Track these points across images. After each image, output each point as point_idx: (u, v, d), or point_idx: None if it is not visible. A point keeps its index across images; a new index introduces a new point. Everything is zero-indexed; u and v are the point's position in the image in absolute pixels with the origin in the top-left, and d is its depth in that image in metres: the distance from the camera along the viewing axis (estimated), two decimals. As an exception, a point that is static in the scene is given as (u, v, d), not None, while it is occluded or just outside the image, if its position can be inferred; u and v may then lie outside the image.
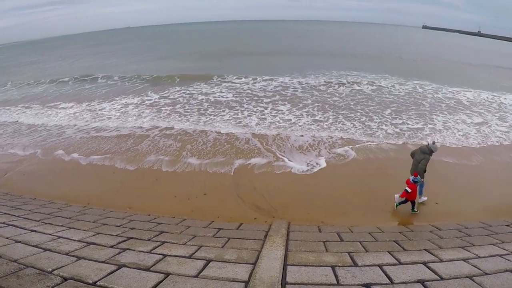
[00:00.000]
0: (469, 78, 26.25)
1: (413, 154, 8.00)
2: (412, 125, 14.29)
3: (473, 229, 6.12)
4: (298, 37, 73.58)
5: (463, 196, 8.46)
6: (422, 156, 7.61)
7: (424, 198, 8.09)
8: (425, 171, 7.62)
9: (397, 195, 7.74)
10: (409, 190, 7.32)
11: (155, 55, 44.96)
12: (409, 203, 7.60)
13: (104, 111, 17.87)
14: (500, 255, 4.56)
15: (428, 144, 7.78)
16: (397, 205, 7.70)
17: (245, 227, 5.86)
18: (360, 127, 13.84)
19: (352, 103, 17.72)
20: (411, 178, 7.43)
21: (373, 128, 13.72)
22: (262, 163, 10.41)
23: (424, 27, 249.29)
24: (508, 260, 4.40)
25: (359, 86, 21.66)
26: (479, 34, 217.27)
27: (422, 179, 7.55)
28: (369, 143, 12.11)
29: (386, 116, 15.42)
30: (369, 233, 5.76)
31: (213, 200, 7.98)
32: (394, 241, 5.34)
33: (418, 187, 7.55)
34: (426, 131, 13.61)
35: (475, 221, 6.79)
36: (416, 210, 7.66)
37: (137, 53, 51.00)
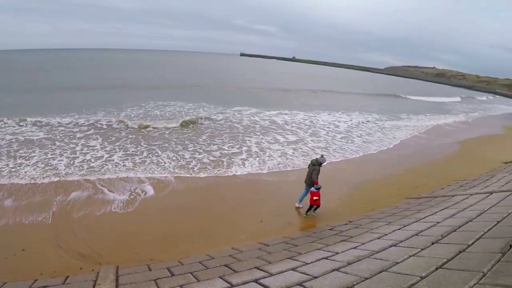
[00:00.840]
0: (286, 101, 31.98)
1: (309, 166, 9.81)
2: (227, 150, 15.51)
3: (298, 239, 6.65)
4: (108, 67, 68.40)
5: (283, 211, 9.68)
6: (313, 168, 9.43)
7: (301, 205, 9.84)
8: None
9: (299, 205, 9.75)
10: (316, 198, 9.07)
11: None
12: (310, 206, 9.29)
13: None
14: (326, 258, 5.03)
15: (317, 158, 9.75)
16: (307, 212, 9.33)
17: (71, 279, 5.59)
18: (175, 158, 13.90)
19: (166, 132, 18.07)
20: (313, 188, 9.12)
21: (186, 158, 13.98)
22: (82, 197, 9.91)
23: (242, 54, 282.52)
24: (333, 260, 4.85)
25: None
26: (294, 59, 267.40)
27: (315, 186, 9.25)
28: (187, 175, 12.35)
29: (201, 143, 16.39)
30: (200, 262, 5.90)
31: (34, 255, 7.26)
32: (224, 265, 5.45)
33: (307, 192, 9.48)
34: (242, 155, 15.00)
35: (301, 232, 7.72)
36: (308, 214, 9.34)
37: None
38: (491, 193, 8.19)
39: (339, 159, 15.75)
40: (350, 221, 8.56)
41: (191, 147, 15.50)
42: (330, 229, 7.84)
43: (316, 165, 9.52)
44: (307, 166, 9.98)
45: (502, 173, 11.85)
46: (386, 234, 6.25)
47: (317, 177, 9.36)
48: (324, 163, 9.89)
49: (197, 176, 12.16)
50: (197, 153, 14.68)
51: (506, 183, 9.35)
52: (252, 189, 11.35)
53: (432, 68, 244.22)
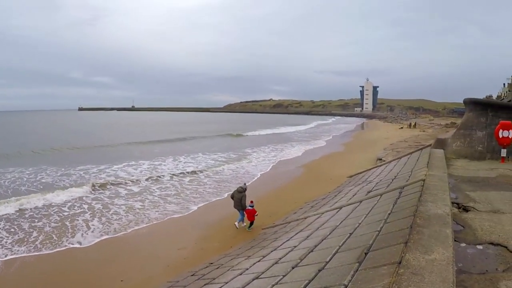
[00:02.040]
0: (130, 153, 31.28)
1: (232, 196, 12.27)
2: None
3: None
4: None
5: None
6: (241, 195, 11.89)
7: (243, 224, 12.02)
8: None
9: (236, 223, 11.90)
10: (256, 214, 11.83)
11: None
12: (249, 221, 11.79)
13: None
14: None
15: (241, 186, 12.43)
16: (249, 227, 11.76)
17: None
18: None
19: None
20: (248, 206, 11.75)
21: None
22: None
23: (81, 109, 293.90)
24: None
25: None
26: (133, 108, 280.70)
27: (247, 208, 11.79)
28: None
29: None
30: None
31: None
32: None
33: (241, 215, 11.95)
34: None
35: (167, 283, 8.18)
36: (250, 228, 11.71)
37: None
38: (340, 208, 9.04)
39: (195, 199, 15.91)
40: (211, 263, 8.72)
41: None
42: (192, 275, 8.00)
43: (242, 192, 11.97)
44: (231, 197, 12.40)
45: (348, 186, 13.52)
46: (247, 269, 6.35)
47: (245, 201, 11.82)
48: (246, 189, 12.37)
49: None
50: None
51: (353, 195, 10.57)
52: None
53: (269, 100, 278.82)
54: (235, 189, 12.49)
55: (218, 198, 16.41)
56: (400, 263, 3.41)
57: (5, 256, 10.00)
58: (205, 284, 6.72)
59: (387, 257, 3.71)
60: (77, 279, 8.87)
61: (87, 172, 22.72)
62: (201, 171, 23.09)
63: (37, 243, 10.95)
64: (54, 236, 11.52)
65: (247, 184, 13.50)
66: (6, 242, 10.98)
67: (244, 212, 11.81)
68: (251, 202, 11.77)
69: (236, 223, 11.92)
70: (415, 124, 62.29)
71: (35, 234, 11.66)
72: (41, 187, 18.42)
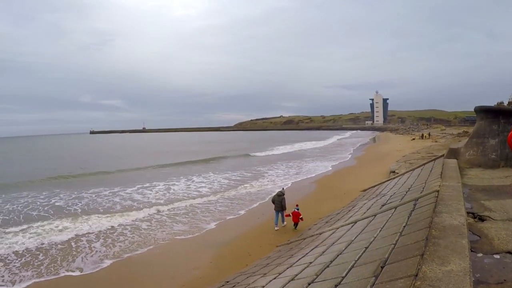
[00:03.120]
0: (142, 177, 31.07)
1: (273, 200, 14.11)
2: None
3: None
4: None
5: None
6: (281, 198, 13.81)
7: (285, 223, 14.08)
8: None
9: (276, 228, 13.81)
10: (301, 216, 13.48)
11: None
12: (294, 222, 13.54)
13: None
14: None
15: (281, 190, 14.50)
16: (295, 227, 13.49)
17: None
18: None
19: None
20: (295, 208, 13.61)
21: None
22: None
23: (92, 132, 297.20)
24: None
25: None
26: (144, 130, 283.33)
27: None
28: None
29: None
30: None
31: None
32: None
33: (279, 216, 13.99)
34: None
35: None
36: (296, 228, 13.47)
37: None
38: (355, 222, 8.95)
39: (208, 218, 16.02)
40: (227, 282, 8.65)
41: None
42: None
43: (281, 195, 13.90)
44: (272, 201, 14.30)
45: (362, 200, 13.40)
46: (263, 286, 6.29)
47: (285, 203, 13.84)
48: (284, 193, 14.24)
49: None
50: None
51: (368, 209, 10.47)
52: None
53: (279, 117, 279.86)
54: (275, 193, 14.78)
55: (232, 217, 16.42)
56: (416, 275, 3.37)
57: None
58: (221, 303, 6.54)
59: (403, 270, 3.67)
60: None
61: (99, 195, 22.90)
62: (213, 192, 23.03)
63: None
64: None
65: (284, 189, 15.21)
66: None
67: (291, 214, 13.57)
68: (297, 205, 13.89)
69: (275, 227, 13.82)
70: (428, 134, 61.68)
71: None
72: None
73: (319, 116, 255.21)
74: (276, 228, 13.70)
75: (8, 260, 11.67)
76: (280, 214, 13.92)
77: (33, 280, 10.15)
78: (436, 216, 5.47)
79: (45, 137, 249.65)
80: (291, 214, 13.55)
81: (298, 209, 13.49)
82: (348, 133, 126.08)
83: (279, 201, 13.77)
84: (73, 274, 10.56)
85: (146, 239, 13.54)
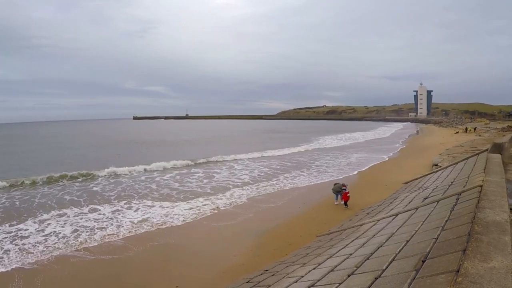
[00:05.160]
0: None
1: (334, 187, 16.43)
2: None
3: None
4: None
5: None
6: (339, 187, 16.12)
7: (342, 202, 15.99)
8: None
9: (336, 203, 16.22)
10: (349, 195, 15.68)
11: None
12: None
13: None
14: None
15: (338, 183, 16.47)
16: (346, 205, 15.60)
17: None
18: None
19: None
20: (343, 190, 15.89)
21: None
22: None
23: (135, 117, 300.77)
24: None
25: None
26: (187, 117, 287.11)
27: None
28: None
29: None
30: None
31: None
32: None
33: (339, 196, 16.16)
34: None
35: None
36: (347, 206, 15.48)
37: None
38: (396, 214, 8.82)
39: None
40: (266, 270, 8.66)
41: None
42: (247, 282, 8.00)
43: (337, 184, 16.52)
44: (332, 190, 16.49)
45: (404, 193, 13.09)
46: (302, 276, 6.28)
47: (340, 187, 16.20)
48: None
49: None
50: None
51: (409, 202, 10.24)
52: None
53: (322, 106, 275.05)
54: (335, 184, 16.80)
55: (270, 205, 16.60)
56: (458, 271, 3.35)
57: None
58: (260, 291, 6.60)
59: (444, 265, 3.65)
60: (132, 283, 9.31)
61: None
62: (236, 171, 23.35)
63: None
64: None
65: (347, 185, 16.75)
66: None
67: (341, 195, 15.91)
68: (343, 186, 16.09)
69: (335, 203, 16.24)
70: (474, 129, 58.79)
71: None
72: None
73: (362, 107, 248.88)
74: (336, 203, 16.21)
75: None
76: (339, 195, 16.17)
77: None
78: (479, 211, 5.33)
79: (90, 122, 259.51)
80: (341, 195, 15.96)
81: (345, 190, 15.82)
82: (400, 125, 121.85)
83: (337, 186, 16.35)
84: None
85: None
